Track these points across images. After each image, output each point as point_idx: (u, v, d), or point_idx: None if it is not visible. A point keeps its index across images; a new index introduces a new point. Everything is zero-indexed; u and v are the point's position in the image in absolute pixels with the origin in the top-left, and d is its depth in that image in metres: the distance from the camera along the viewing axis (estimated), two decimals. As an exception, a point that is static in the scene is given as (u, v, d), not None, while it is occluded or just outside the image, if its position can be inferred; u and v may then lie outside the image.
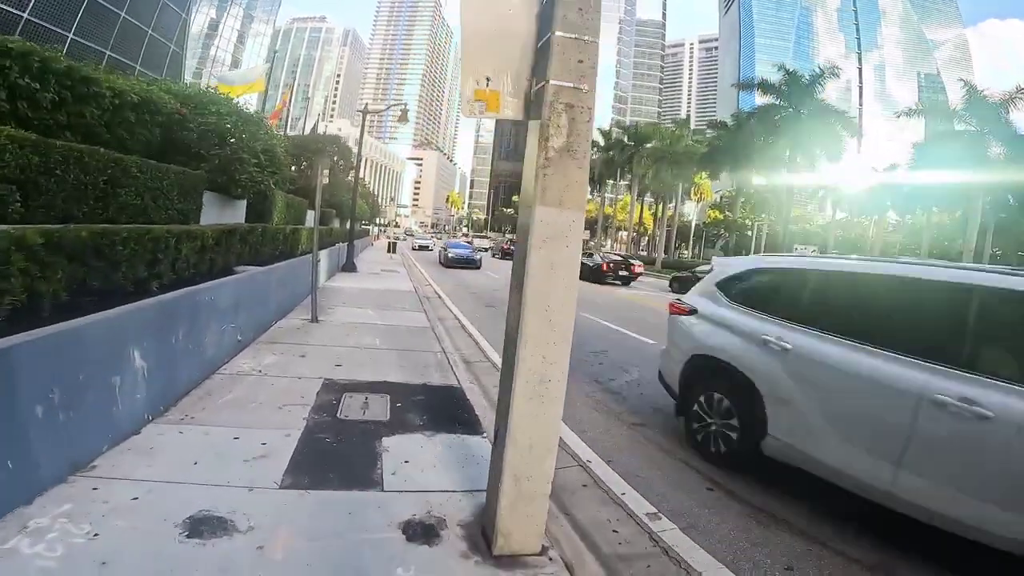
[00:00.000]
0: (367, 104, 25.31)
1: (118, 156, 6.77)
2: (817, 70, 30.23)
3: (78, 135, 6.75)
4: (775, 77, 31.03)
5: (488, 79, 2.58)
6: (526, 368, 2.45)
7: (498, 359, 7.82)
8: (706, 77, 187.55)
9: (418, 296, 13.07)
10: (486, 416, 5.00)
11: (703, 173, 43.08)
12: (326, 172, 9.66)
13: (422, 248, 47.72)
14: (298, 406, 4.68)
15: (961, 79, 28.42)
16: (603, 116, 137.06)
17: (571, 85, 2.40)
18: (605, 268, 23.26)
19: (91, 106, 6.99)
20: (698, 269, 26.40)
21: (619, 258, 25.80)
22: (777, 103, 30.74)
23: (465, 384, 5.95)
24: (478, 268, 25.65)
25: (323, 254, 12.29)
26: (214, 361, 5.25)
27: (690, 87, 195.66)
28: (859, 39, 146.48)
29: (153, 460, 3.47)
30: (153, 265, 5.94)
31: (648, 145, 44.43)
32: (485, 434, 4.53)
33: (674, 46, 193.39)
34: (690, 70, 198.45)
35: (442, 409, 5.06)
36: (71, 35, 23.51)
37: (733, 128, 36.50)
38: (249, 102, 17.09)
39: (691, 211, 67.70)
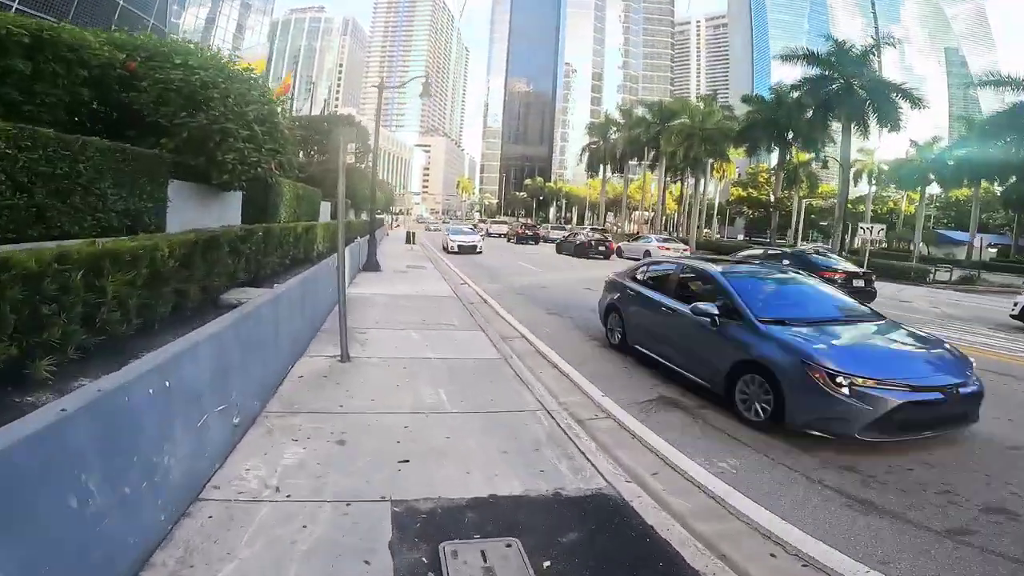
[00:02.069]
0: (382, 79, 22.49)
1: None
2: (871, 39, 28.62)
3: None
4: (822, 48, 29.00)
5: None
6: None
7: (615, 408, 5.12)
8: (715, 56, 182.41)
9: (461, 302, 10.66)
10: (713, 570, 2.62)
11: (739, 149, 40.25)
12: (350, 147, 7.11)
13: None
14: (362, 601, 2.29)
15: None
16: (612, 97, 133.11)
17: None
18: (587, 245, 27.20)
19: None
20: (747, 253, 23.21)
21: (599, 236, 30.80)
22: (826, 74, 28.43)
23: (619, 483, 3.54)
24: None
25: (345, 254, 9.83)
26: (192, 481, 2.86)
27: (699, 66, 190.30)
28: (874, 12, 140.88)
29: None
30: (35, 330, 3.35)
31: (675, 122, 41.45)
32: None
33: (681, 24, 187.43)
34: (698, 49, 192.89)
35: (621, 563, 2.67)
36: (15, 4, 19.49)
37: (772, 102, 35.10)
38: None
39: (713, 190, 64.76)
